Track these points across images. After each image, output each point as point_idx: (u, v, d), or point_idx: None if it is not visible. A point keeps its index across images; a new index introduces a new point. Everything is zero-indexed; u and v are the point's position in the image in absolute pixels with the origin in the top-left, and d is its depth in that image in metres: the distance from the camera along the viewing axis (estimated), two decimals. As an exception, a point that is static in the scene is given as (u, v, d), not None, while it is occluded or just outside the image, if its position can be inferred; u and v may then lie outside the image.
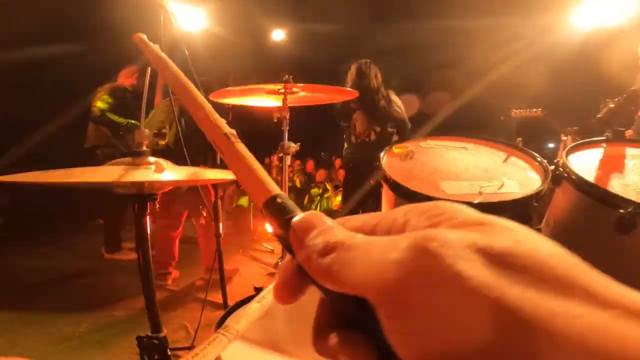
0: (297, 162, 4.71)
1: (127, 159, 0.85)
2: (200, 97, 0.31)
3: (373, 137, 2.94)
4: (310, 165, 5.25)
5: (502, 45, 4.71)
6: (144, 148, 0.85)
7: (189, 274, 3.09)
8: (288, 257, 0.22)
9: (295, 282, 0.21)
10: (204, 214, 2.73)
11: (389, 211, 0.21)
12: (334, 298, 0.20)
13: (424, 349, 0.16)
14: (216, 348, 0.41)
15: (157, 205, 0.90)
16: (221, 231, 1.82)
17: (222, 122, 0.29)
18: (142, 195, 0.88)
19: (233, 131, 0.28)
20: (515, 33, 4.65)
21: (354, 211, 2.76)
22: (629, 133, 1.88)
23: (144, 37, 0.40)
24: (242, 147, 0.27)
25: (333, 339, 0.20)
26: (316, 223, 0.21)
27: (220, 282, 2.04)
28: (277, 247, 3.43)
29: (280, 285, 0.22)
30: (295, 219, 0.22)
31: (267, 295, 0.48)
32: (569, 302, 0.15)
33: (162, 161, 0.86)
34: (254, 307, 0.47)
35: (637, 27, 3.02)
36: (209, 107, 0.30)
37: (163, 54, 0.36)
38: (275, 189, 0.24)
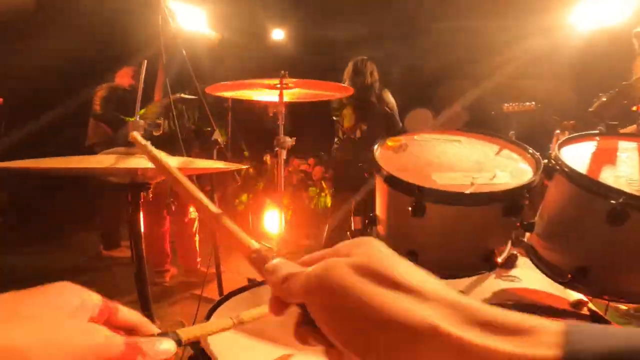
0: (295, 161, 4.72)
1: (122, 149, 0.85)
2: (191, 186, 0.42)
3: (359, 134, 2.96)
4: (310, 162, 5.25)
5: (501, 46, 4.72)
6: (139, 138, 0.86)
7: (184, 270, 3.09)
8: (271, 296, 0.35)
9: (277, 303, 0.34)
10: (172, 207, 2.74)
11: (337, 245, 0.34)
12: (300, 306, 0.33)
13: (330, 333, 0.29)
14: (222, 324, 0.43)
15: (150, 195, 0.90)
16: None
17: (210, 204, 0.41)
18: (135, 184, 0.89)
19: (220, 211, 0.40)
20: (514, 33, 4.66)
21: (341, 206, 2.77)
22: (631, 129, 1.87)
23: (138, 136, 0.49)
24: (228, 223, 0.40)
25: (305, 330, 0.33)
26: (277, 266, 0.34)
27: (217, 278, 2.05)
28: (275, 245, 3.43)
29: (271, 307, 0.35)
30: (265, 266, 0.35)
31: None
32: (400, 294, 0.28)
33: (159, 152, 0.87)
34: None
35: (635, 27, 3.03)
36: (200, 195, 0.42)
37: (155, 151, 0.47)
38: (254, 245, 0.38)
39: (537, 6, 4.35)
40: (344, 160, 3.01)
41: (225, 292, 2.09)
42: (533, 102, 2.89)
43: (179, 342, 0.35)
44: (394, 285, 0.28)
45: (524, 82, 4.52)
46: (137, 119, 0.85)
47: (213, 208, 0.40)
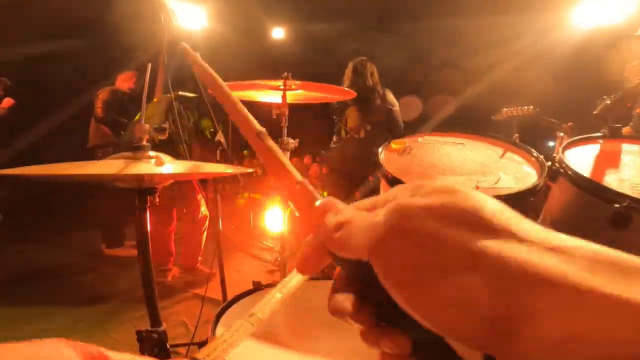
0: (293, 159, 4.73)
1: (128, 153, 0.86)
2: (239, 103, 0.35)
3: (362, 134, 2.97)
4: (307, 160, 5.26)
5: (500, 45, 4.71)
6: (144, 142, 0.86)
7: (188, 269, 3.10)
8: (309, 237, 0.27)
9: (314, 256, 0.27)
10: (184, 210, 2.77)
11: (388, 191, 0.26)
12: (347, 265, 0.26)
13: (411, 296, 0.22)
14: (243, 335, 0.41)
15: (157, 200, 0.91)
16: (220, 226, 1.83)
17: (255, 122, 0.34)
18: (142, 189, 0.89)
19: (263, 129, 0.33)
20: (515, 32, 4.65)
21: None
22: (626, 130, 1.89)
23: (188, 47, 0.42)
24: (271, 143, 0.32)
25: (348, 301, 0.25)
26: (331, 207, 0.27)
27: (220, 278, 2.05)
28: (277, 244, 3.44)
29: (303, 260, 0.28)
30: (316, 204, 0.27)
31: (289, 283, 0.48)
32: (496, 240, 0.21)
33: (162, 155, 0.87)
34: (276, 296, 0.46)
35: (636, 26, 3.03)
36: (245, 111, 0.34)
37: (205, 64, 0.39)
38: (299, 176, 0.30)
39: (535, 5, 4.35)
40: (345, 158, 3.01)
41: (228, 293, 2.09)
42: (532, 106, 2.93)
43: None
44: (491, 229, 0.21)
45: (521, 80, 4.52)
46: (142, 122, 0.85)
47: (257, 125, 0.33)
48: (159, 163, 0.73)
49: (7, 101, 3.65)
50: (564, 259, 0.20)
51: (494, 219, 0.22)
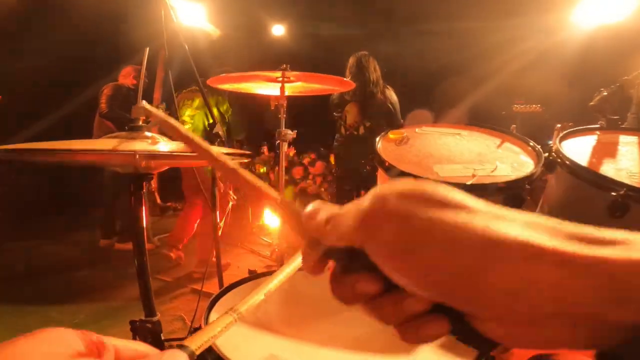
0: (296, 157, 4.73)
1: (124, 133, 0.85)
2: (206, 145, 0.39)
3: (362, 131, 2.93)
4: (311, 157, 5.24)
5: (503, 45, 4.71)
6: (140, 123, 0.85)
7: (185, 265, 3.10)
8: (306, 247, 0.31)
9: (314, 257, 0.30)
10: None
11: (371, 191, 0.29)
12: (342, 254, 0.29)
13: (399, 270, 0.26)
14: (223, 325, 0.42)
15: (153, 186, 0.90)
16: (218, 220, 1.82)
17: (228, 159, 0.37)
18: (138, 175, 0.89)
19: (237, 164, 0.36)
20: (516, 32, 4.65)
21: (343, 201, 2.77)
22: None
23: (147, 104, 0.46)
24: (247, 174, 0.36)
25: (350, 280, 0.28)
26: (317, 209, 0.30)
27: (217, 273, 2.05)
28: (275, 240, 3.44)
29: (308, 264, 0.31)
30: (306, 210, 0.31)
31: (277, 277, 0.50)
32: (471, 214, 0.25)
33: (157, 135, 0.87)
34: (258, 298, 0.49)
35: (637, 25, 3.03)
36: (214, 150, 0.38)
37: (165, 115, 0.43)
38: (278, 195, 0.34)
39: (538, 5, 4.35)
40: (347, 156, 2.99)
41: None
42: (539, 105, 3.06)
43: (192, 355, 0.34)
44: (464, 207, 0.25)
45: (525, 80, 4.52)
46: (139, 102, 0.84)
47: (231, 163, 0.37)
48: (154, 143, 0.72)
49: None
50: (508, 223, 0.24)
51: (451, 197, 0.26)
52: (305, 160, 4.60)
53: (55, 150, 0.62)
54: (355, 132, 2.95)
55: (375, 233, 0.26)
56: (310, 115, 3.82)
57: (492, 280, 0.23)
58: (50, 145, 0.64)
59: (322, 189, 4.37)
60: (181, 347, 0.34)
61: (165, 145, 0.74)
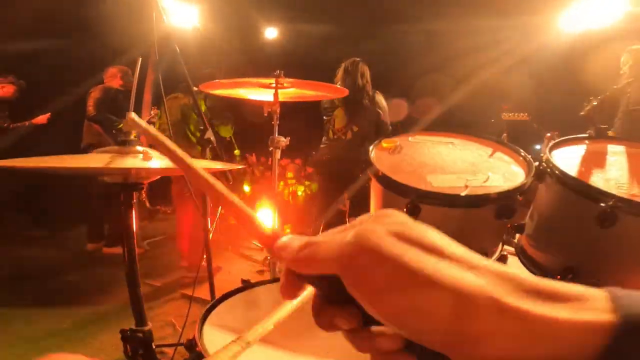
0: (285, 160, 4.72)
1: (115, 147, 0.84)
2: (196, 165, 0.38)
3: (349, 135, 2.96)
4: (298, 162, 5.24)
5: (489, 49, 4.76)
6: (132, 137, 0.84)
7: (175, 270, 3.07)
8: (282, 274, 0.32)
9: (289, 282, 0.31)
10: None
11: (359, 218, 0.31)
12: (318, 282, 0.30)
13: (371, 303, 0.27)
14: (226, 355, 0.42)
15: (144, 195, 0.89)
16: (210, 225, 1.81)
17: (217, 183, 0.37)
18: (128, 184, 0.87)
19: (227, 190, 0.37)
20: (503, 36, 4.71)
21: (328, 206, 2.77)
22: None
23: (136, 117, 0.44)
24: (236, 200, 0.36)
25: (328, 313, 0.30)
26: (291, 239, 0.31)
27: (208, 278, 2.03)
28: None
29: (282, 287, 0.32)
30: (278, 242, 0.32)
31: (282, 311, 0.50)
32: (445, 261, 0.26)
33: (150, 150, 0.86)
34: (269, 325, 0.49)
35: (623, 31, 3.09)
36: (206, 173, 0.38)
37: (156, 132, 0.41)
38: (264, 225, 0.35)
39: (524, 10, 4.41)
40: (332, 159, 3.00)
41: (217, 293, 2.07)
42: (526, 113, 3.25)
43: None
44: (438, 252, 0.27)
45: (511, 86, 4.57)
46: (131, 115, 0.83)
47: (220, 187, 0.37)
48: (147, 158, 0.71)
49: (41, 119, 3.68)
50: (477, 274, 0.26)
51: (435, 242, 0.27)
52: (297, 162, 4.61)
53: (45, 168, 0.61)
54: (343, 137, 2.98)
55: (356, 270, 0.27)
56: (299, 119, 3.82)
57: (459, 328, 0.25)
58: (41, 161, 0.63)
59: (299, 192, 4.38)
60: None
61: (157, 161, 0.73)
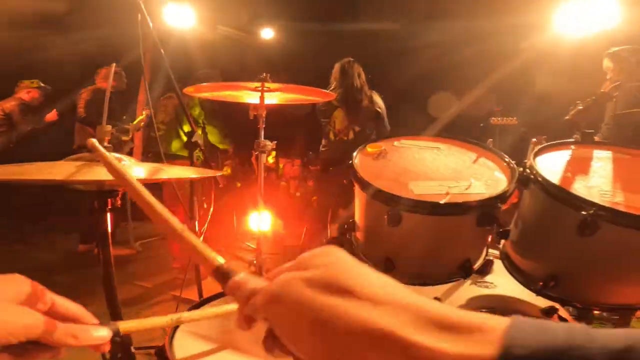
0: (281, 159, 4.71)
1: (88, 155, 0.83)
2: (151, 197, 0.41)
3: (351, 136, 2.94)
4: (297, 163, 5.24)
5: (484, 53, 4.75)
6: (106, 144, 0.83)
7: (165, 271, 3.05)
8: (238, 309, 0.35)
9: (244, 317, 0.35)
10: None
11: (298, 258, 0.33)
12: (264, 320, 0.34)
13: (290, 345, 0.30)
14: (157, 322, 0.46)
15: (119, 202, 0.88)
16: (197, 228, 1.80)
17: (172, 218, 0.40)
18: (102, 191, 0.86)
19: (184, 227, 0.39)
20: (494, 40, 4.69)
21: (328, 208, 2.76)
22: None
23: (96, 143, 0.48)
24: (191, 237, 0.39)
25: (271, 342, 0.33)
26: (241, 283, 0.35)
27: (196, 279, 2.02)
28: (260, 245, 3.41)
29: (239, 321, 0.35)
30: (229, 283, 0.35)
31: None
32: (352, 302, 0.28)
33: (124, 157, 0.84)
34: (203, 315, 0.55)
35: (610, 36, 3.08)
36: (160, 205, 0.40)
37: (114, 160, 0.44)
38: (219, 260, 0.38)
39: (516, 13, 4.39)
40: (336, 160, 2.98)
41: (205, 294, 2.06)
42: (514, 118, 3.38)
43: (116, 332, 0.39)
44: (347, 293, 0.28)
45: (502, 90, 4.56)
46: (104, 123, 0.82)
47: (175, 222, 0.39)
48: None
49: (52, 115, 3.67)
50: (383, 311, 0.27)
51: (353, 285, 0.29)
52: (296, 163, 4.60)
53: (9, 180, 0.59)
54: (345, 137, 2.96)
55: (274, 318, 0.31)
56: (299, 121, 3.80)
57: None
58: (3, 173, 0.61)
59: (297, 193, 4.37)
60: (111, 323, 0.40)
61: (131, 168, 0.71)
